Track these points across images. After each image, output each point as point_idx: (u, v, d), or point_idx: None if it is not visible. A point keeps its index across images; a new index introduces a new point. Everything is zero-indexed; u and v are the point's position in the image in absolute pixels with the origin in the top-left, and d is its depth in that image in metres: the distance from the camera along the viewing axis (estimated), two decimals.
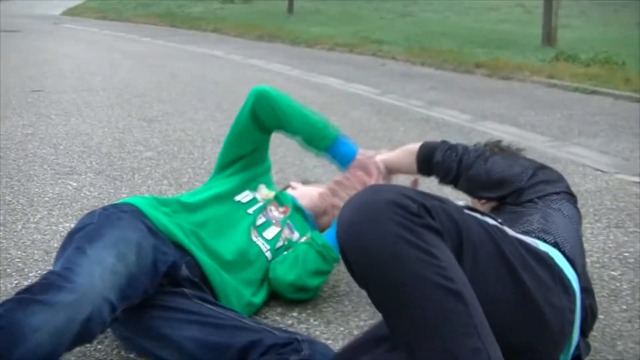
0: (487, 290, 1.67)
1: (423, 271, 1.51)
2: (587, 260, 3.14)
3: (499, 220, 1.99)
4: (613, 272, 3.09)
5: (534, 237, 2.03)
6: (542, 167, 2.42)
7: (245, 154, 2.86)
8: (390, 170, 2.71)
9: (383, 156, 2.73)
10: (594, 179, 4.59)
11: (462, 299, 1.52)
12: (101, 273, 1.98)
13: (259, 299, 2.62)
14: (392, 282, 1.53)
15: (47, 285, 1.89)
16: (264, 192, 2.87)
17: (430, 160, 2.51)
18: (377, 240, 1.54)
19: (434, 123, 6.54)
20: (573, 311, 1.89)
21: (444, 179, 2.51)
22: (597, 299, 2.78)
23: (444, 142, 2.52)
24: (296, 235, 2.85)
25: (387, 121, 6.56)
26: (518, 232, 1.98)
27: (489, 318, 1.57)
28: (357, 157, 2.77)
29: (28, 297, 1.84)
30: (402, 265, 1.51)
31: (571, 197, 2.36)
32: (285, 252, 2.73)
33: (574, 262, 2.01)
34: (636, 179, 4.65)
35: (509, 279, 1.74)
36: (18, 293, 1.88)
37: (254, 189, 2.86)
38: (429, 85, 9.08)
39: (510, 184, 2.36)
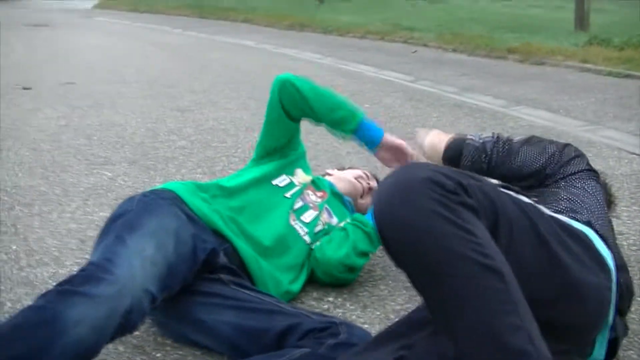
0: (524, 267, 1.66)
1: (461, 248, 1.50)
2: (624, 242, 3.13)
3: (534, 199, 1.98)
4: None
5: (567, 217, 2.02)
6: (564, 148, 2.41)
7: (280, 145, 2.86)
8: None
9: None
10: (629, 162, 4.54)
11: (501, 276, 1.51)
12: (141, 264, 1.98)
13: (297, 286, 2.62)
14: (429, 259, 1.52)
15: (88, 277, 1.89)
16: (301, 177, 2.86)
17: (458, 161, 2.50)
18: (414, 217, 1.53)
19: (467, 109, 6.49)
20: (610, 289, 1.87)
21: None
22: (634, 282, 2.76)
23: (469, 143, 2.50)
24: (335, 220, 2.84)
25: (420, 107, 6.53)
26: (551, 211, 1.96)
27: (528, 295, 1.56)
28: (384, 139, 2.76)
29: (69, 288, 1.84)
30: (440, 242, 1.51)
31: (592, 172, 2.35)
32: (325, 236, 2.73)
33: (606, 239, 2.00)
34: None
35: (546, 256, 1.73)
36: (59, 284, 1.88)
37: (291, 173, 2.84)
38: (461, 72, 9.02)
39: (539, 174, 2.36)
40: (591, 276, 1.80)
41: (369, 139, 2.77)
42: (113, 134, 5.38)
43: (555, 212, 2.02)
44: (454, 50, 11.13)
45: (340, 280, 2.71)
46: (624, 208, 3.61)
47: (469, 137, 2.57)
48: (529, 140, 2.49)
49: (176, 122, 5.84)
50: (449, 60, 10.28)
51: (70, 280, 1.88)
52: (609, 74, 8.58)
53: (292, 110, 2.76)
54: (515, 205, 1.76)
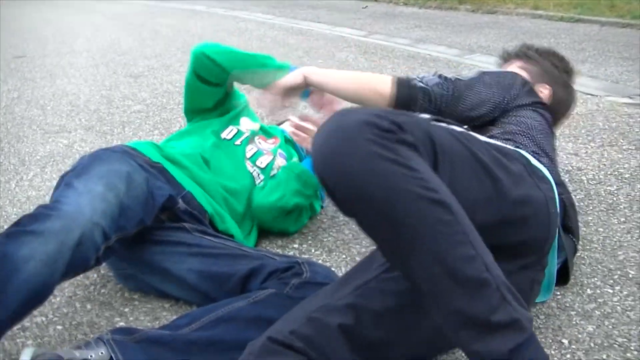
0: (469, 194, 1.65)
1: (405, 185, 1.48)
2: (584, 177, 3.18)
3: (465, 127, 1.99)
4: (609, 187, 3.10)
5: (500, 141, 2.04)
6: (510, 86, 2.39)
7: (209, 108, 2.81)
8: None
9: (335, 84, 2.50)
10: (584, 102, 4.58)
11: (448, 208, 1.49)
12: (89, 200, 1.94)
13: (254, 234, 2.63)
14: (374, 201, 1.50)
15: (35, 216, 1.87)
16: (247, 124, 2.83)
17: (409, 108, 2.36)
18: (353, 161, 1.50)
19: (421, 59, 6.50)
20: (553, 199, 1.89)
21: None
22: (595, 213, 2.82)
23: (418, 86, 2.37)
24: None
25: (375, 60, 6.52)
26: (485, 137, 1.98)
27: (478, 222, 1.56)
28: None
29: (17, 229, 1.82)
30: (382, 182, 1.48)
31: (535, 103, 2.35)
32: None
33: (540, 158, 2.02)
34: (627, 100, 4.66)
35: (487, 179, 1.72)
36: (7, 229, 1.87)
37: (237, 123, 2.82)
38: (414, 24, 9.02)
39: (488, 116, 2.35)
40: (533, 190, 1.81)
41: None
42: (67, 102, 5.32)
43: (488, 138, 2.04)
44: (405, 4, 11.14)
45: (278, 225, 2.69)
46: (582, 145, 3.67)
47: (412, 79, 2.41)
48: (479, 79, 2.43)
49: (130, 87, 5.79)
50: (401, 14, 10.27)
51: (18, 223, 1.85)
52: (561, 19, 8.64)
53: (213, 79, 2.68)
54: (450, 136, 1.74)
